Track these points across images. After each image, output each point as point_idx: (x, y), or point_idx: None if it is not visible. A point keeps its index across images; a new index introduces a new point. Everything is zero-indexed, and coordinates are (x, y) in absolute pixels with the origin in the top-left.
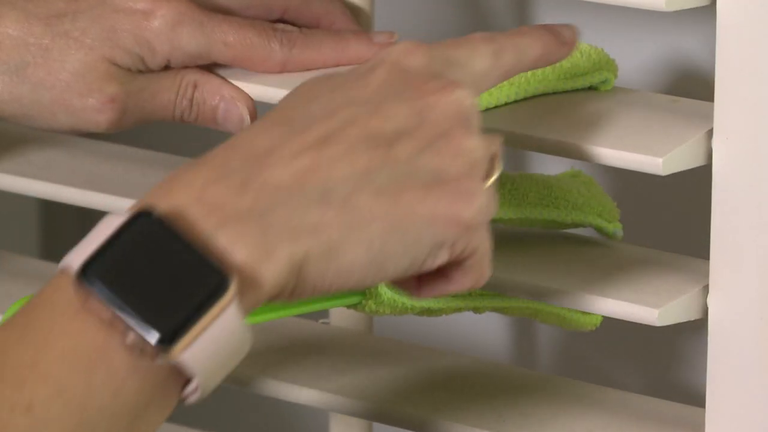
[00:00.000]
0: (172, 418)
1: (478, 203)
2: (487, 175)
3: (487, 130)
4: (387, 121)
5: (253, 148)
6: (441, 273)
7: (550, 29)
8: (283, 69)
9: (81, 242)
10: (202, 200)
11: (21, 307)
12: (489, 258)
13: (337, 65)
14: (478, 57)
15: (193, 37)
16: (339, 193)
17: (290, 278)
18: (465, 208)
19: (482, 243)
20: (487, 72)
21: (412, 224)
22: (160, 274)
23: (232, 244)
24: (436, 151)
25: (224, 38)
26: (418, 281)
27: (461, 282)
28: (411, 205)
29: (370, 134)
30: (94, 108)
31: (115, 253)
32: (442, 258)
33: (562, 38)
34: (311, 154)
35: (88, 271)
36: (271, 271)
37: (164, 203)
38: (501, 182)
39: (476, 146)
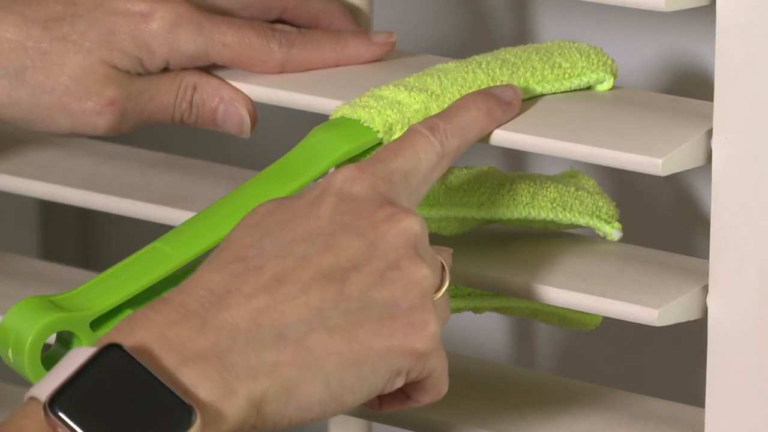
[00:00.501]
0: None
1: (430, 332)
2: (438, 288)
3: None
4: (339, 256)
5: (210, 288)
6: (400, 391)
7: (490, 95)
8: (282, 69)
9: (50, 372)
10: (164, 338)
11: None
12: (445, 376)
13: (337, 65)
14: (422, 157)
15: (192, 38)
16: (294, 333)
17: (251, 414)
18: (418, 339)
19: (437, 365)
20: (434, 167)
21: (368, 358)
22: (126, 406)
23: (195, 381)
24: (388, 283)
25: (223, 39)
26: (379, 398)
27: (420, 399)
28: (365, 340)
29: (323, 272)
30: (93, 111)
31: (82, 384)
32: (399, 383)
33: (504, 99)
34: (266, 295)
35: (56, 401)
36: (233, 409)
37: (128, 341)
38: (500, 183)
39: (425, 275)
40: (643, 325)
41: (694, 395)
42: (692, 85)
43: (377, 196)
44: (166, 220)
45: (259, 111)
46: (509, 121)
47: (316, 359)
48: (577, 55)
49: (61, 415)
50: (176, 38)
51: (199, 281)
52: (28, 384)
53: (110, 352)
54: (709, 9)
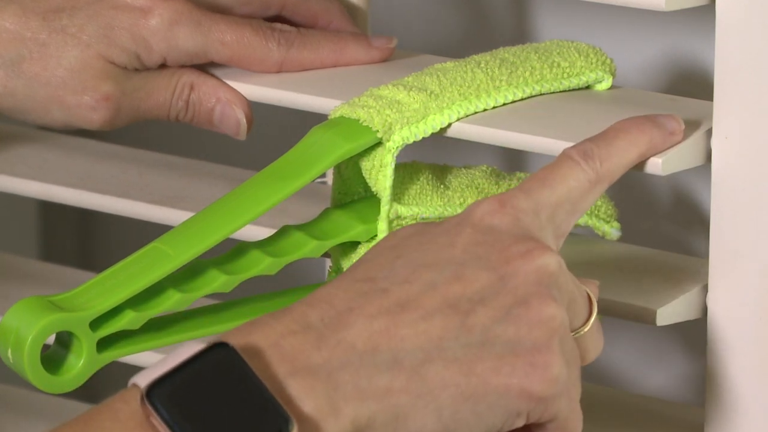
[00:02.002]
0: None
1: (552, 375)
2: (584, 322)
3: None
4: (467, 287)
5: (333, 303)
6: (525, 428)
7: (654, 121)
8: (280, 69)
9: (157, 362)
10: (278, 346)
11: (85, 412)
12: (574, 421)
13: (335, 66)
14: (573, 187)
15: (190, 36)
16: (411, 360)
17: None
18: (538, 381)
19: (561, 408)
20: (585, 196)
21: (484, 394)
22: (225, 405)
23: (301, 394)
24: (513, 320)
25: (221, 37)
26: None
27: None
28: (483, 376)
29: (448, 301)
30: (89, 106)
31: (185, 377)
32: (519, 423)
33: (668, 129)
34: (387, 319)
35: (155, 390)
36: (334, 428)
37: (242, 341)
38: (498, 182)
39: (555, 314)
40: (643, 324)
41: (694, 395)
42: (692, 85)
43: (517, 229)
44: (163, 220)
45: (257, 110)
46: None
47: (431, 389)
48: (576, 55)
49: (156, 404)
50: (174, 35)
51: (324, 295)
52: (28, 385)
53: (220, 350)
54: (709, 8)
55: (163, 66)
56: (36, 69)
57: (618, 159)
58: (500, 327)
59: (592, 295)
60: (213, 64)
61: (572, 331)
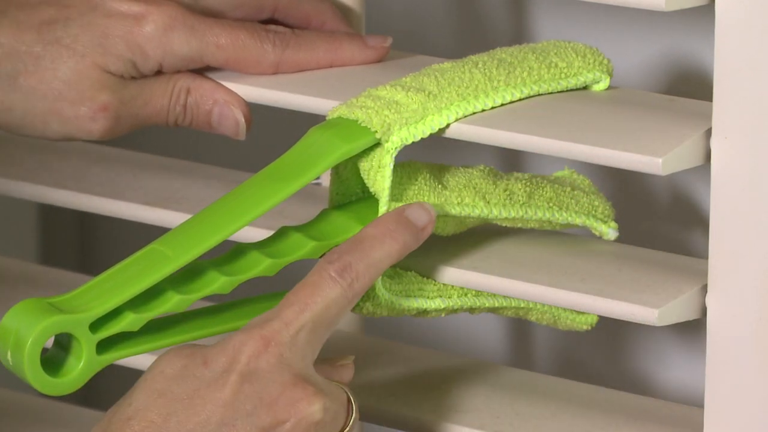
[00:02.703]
0: None
1: None
2: (344, 426)
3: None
4: None
5: None
6: None
7: (407, 222)
8: (276, 70)
9: None
10: None
11: None
12: None
13: (331, 66)
14: (331, 306)
15: (185, 41)
16: None
17: None
18: None
19: None
20: (342, 311)
21: None
22: None
23: None
24: None
25: (216, 41)
26: None
27: None
28: None
29: None
30: (87, 117)
31: None
32: None
33: (419, 225)
34: None
35: None
36: None
37: None
38: (496, 182)
39: None
40: (642, 324)
41: (693, 395)
42: (691, 85)
43: (282, 372)
44: (159, 221)
45: (255, 112)
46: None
47: None
48: (573, 55)
49: None
50: (169, 41)
51: None
52: (28, 388)
53: None
54: (708, 9)
55: (159, 72)
56: (32, 82)
57: (373, 273)
58: None
59: (348, 392)
60: (209, 68)
61: None
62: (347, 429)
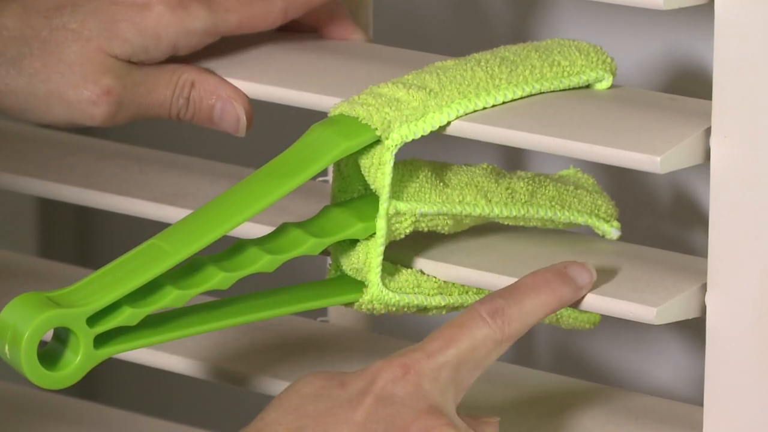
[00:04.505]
0: (170, 416)
1: None
2: None
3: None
4: None
5: None
6: None
7: (566, 277)
8: (285, 17)
9: None
10: None
11: None
12: None
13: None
14: (478, 346)
15: (196, 15)
16: None
17: None
18: None
19: None
20: (490, 354)
21: None
22: None
23: None
24: None
25: (224, 5)
26: None
27: None
28: None
29: None
30: (90, 100)
31: None
32: None
33: (578, 284)
34: None
35: None
36: None
37: None
38: (498, 181)
39: None
40: (642, 323)
41: (693, 394)
42: (691, 84)
43: (419, 400)
44: (164, 218)
45: (257, 108)
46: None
47: None
48: (577, 54)
49: None
50: (181, 19)
51: None
52: (27, 381)
53: None
54: (708, 7)
55: (169, 58)
56: (36, 66)
57: (527, 319)
58: None
59: None
60: (211, 63)
61: None
62: None
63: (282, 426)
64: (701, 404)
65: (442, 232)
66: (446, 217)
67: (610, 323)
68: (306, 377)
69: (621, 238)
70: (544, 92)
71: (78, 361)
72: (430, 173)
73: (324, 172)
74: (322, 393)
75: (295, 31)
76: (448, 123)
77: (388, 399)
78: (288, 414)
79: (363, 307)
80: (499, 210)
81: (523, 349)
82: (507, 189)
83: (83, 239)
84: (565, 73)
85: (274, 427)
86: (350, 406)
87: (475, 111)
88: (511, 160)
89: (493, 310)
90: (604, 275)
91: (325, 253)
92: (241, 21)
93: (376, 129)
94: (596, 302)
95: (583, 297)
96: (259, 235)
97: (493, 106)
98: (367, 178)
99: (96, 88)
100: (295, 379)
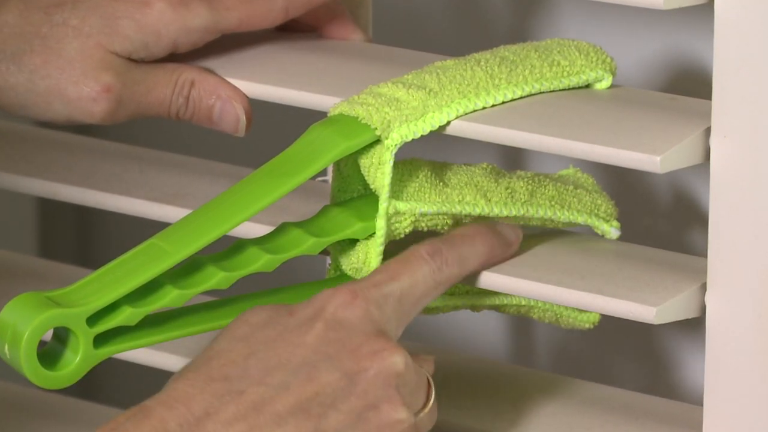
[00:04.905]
0: None
1: None
2: (423, 405)
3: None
4: (319, 389)
5: (190, 406)
6: None
7: (496, 232)
8: (286, 15)
9: None
10: None
11: None
12: None
13: None
14: (419, 281)
15: (197, 12)
16: None
17: None
18: None
19: None
20: (429, 292)
21: None
22: None
23: None
24: (363, 423)
25: (225, 3)
26: None
27: None
28: None
29: (301, 404)
30: (89, 97)
31: None
32: None
33: (507, 240)
34: (244, 424)
35: None
36: None
37: None
38: (498, 180)
39: (403, 419)
40: (642, 323)
41: (692, 393)
42: (691, 84)
43: (367, 324)
44: (164, 217)
45: (257, 108)
46: (503, 261)
47: None
48: (576, 53)
49: None
50: (181, 17)
51: (182, 396)
52: (27, 381)
53: None
54: (708, 7)
55: (171, 54)
56: (36, 62)
57: (463, 264)
58: (352, 431)
59: (430, 377)
60: (211, 62)
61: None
62: (426, 409)
63: (233, 353)
64: (701, 404)
65: (442, 231)
66: (446, 217)
67: (610, 323)
68: (252, 309)
69: (621, 238)
70: (543, 92)
71: (78, 360)
72: (429, 173)
73: (324, 172)
74: (270, 321)
75: (294, 30)
76: (448, 123)
77: (338, 323)
78: (238, 342)
79: None
80: (498, 210)
81: (523, 349)
82: (507, 189)
83: (83, 239)
84: (565, 73)
85: (226, 354)
86: (300, 331)
87: (474, 111)
88: (510, 160)
89: (433, 250)
90: (605, 275)
91: (325, 252)
92: (241, 19)
93: (376, 129)
94: (596, 302)
95: (510, 257)
96: (259, 235)
97: (493, 105)
98: (366, 178)
99: (96, 85)
100: None
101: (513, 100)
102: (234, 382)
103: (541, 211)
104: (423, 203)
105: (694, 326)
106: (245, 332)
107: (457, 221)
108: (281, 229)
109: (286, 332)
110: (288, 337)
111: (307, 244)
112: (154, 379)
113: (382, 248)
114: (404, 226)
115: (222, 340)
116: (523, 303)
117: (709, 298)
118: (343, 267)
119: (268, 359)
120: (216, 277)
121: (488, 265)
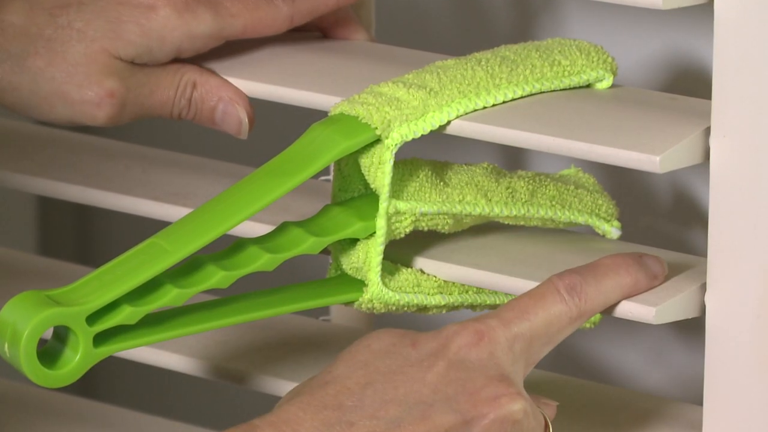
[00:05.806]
0: (170, 415)
1: None
2: None
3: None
4: (431, 430)
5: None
6: None
7: (642, 264)
8: (291, 23)
9: None
10: None
11: None
12: None
13: (337, 8)
14: (553, 321)
15: (201, 19)
16: None
17: None
18: None
19: None
20: (563, 330)
21: None
22: None
23: None
24: None
25: (230, 10)
26: None
27: None
28: None
29: None
30: (93, 102)
31: None
32: None
33: (652, 272)
34: None
35: None
36: None
37: None
38: (498, 180)
39: None
40: (641, 323)
41: (692, 393)
42: (691, 84)
43: (490, 367)
44: (166, 217)
45: (259, 108)
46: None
47: None
48: (577, 53)
49: None
50: (186, 23)
51: (291, 418)
52: (27, 379)
53: None
54: (708, 7)
55: (174, 59)
56: (40, 64)
57: (602, 299)
58: None
59: (549, 422)
60: (213, 62)
61: None
62: None
63: (351, 380)
64: (701, 404)
65: (442, 231)
66: (446, 217)
67: (610, 323)
68: (377, 333)
69: (621, 238)
70: (544, 92)
71: (77, 359)
72: (430, 172)
73: (326, 171)
74: (392, 350)
75: (297, 30)
76: (449, 122)
77: (461, 363)
78: (357, 369)
79: (363, 306)
80: (499, 209)
81: None
82: (507, 188)
83: (83, 237)
84: (566, 73)
85: (343, 381)
86: (421, 367)
87: (475, 110)
88: (511, 160)
89: (571, 285)
90: None
91: (325, 252)
92: (246, 26)
93: (376, 128)
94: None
95: (654, 287)
96: (259, 234)
97: (494, 105)
98: (367, 178)
99: (100, 89)
100: (362, 337)
101: (513, 99)
102: (347, 412)
103: (542, 210)
104: (423, 203)
105: (694, 326)
106: (366, 359)
107: (458, 221)
108: (281, 228)
109: (406, 365)
110: (408, 371)
111: (307, 244)
112: (154, 378)
113: (382, 248)
114: (404, 226)
115: (341, 365)
116: None
117: (709, 298)
118: (344, 266)
119: (384, 392)
120: (216, 277)
121: (629, 297)
